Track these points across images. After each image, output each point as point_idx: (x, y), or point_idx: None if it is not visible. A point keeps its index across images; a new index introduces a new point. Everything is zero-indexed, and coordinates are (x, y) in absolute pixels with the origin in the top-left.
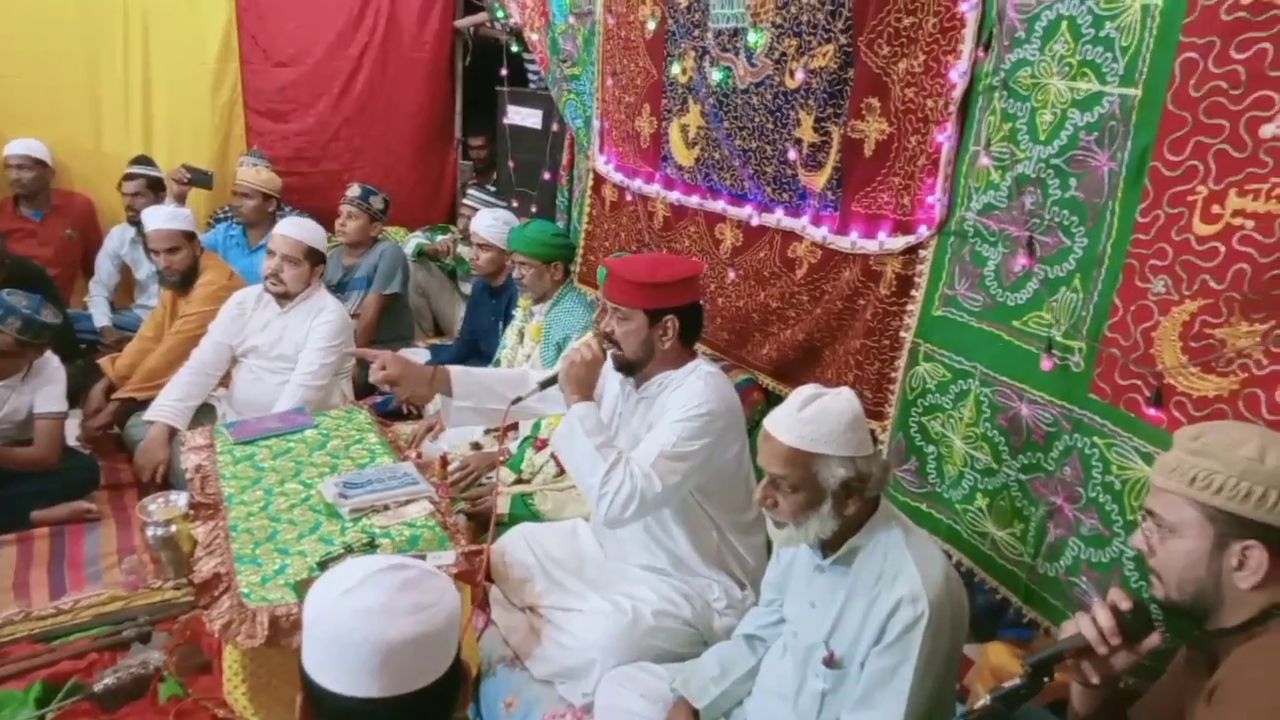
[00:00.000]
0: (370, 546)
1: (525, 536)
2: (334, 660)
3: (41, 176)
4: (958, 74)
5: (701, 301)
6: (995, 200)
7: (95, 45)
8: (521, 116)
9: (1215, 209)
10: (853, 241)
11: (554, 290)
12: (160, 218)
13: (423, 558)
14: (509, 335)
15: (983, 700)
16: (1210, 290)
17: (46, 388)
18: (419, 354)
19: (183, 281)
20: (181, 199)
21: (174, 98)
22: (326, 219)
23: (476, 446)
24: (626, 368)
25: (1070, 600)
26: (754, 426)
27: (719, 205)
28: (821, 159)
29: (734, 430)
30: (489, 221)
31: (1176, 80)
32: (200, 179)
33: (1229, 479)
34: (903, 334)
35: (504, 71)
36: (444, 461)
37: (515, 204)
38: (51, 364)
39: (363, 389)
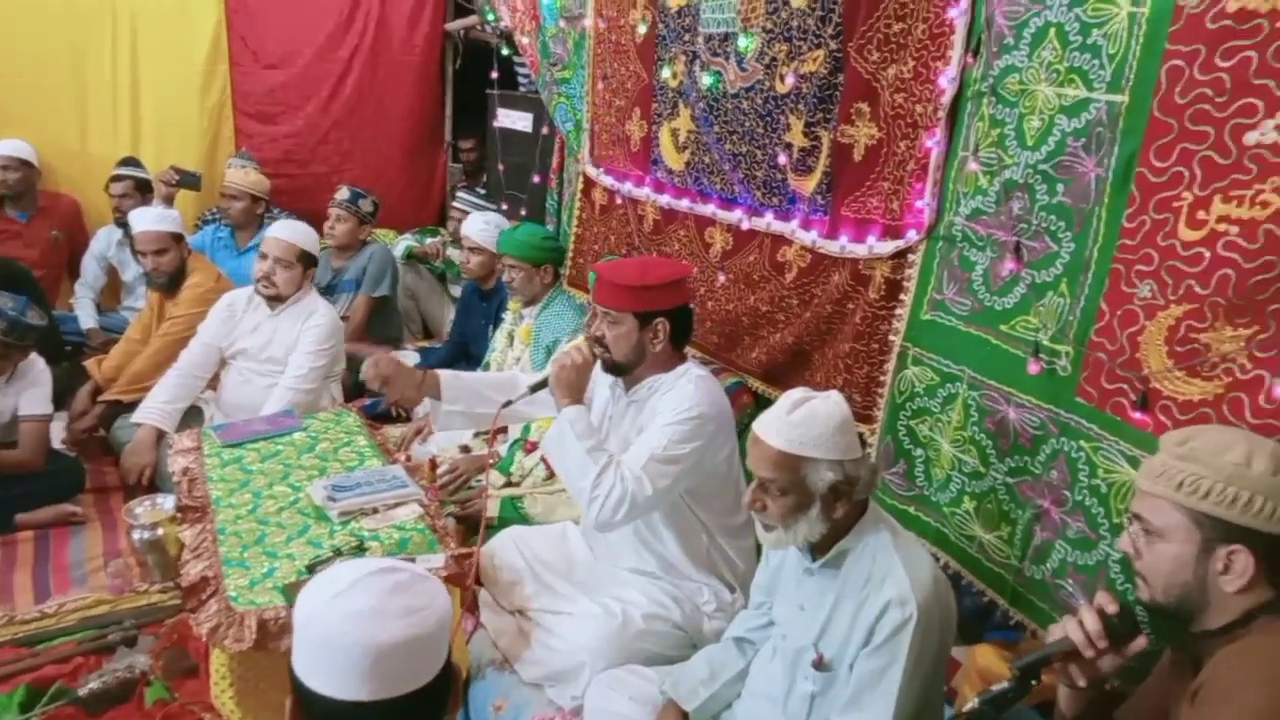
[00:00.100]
0: (359, 549)
1: (514, 539)
2: (324, 663)
3: (27, 177)
4: (947, 80)
5: (691, 304)
6: (983, 205)
7: (83, 46)
8: (512, 120)
9: (1200, 215)
10: (842, 246)
11: (544, 293)
12: (148, 219)
13: (412, 560)
14: (498, 338)
15: (971, 703)
16: (1195, 295)
17: (31, 390)
18: (408, 356)
19: (170, 283)
20: (169, 201)
21: (162, 99)
22: (315, 221)
23: (466, 449)
24: (617, 371)
25: (1057, 603)
26: (743, 430)
27: (709, 209)
28: (811, 163)
29: (724, 433)
30: (480, 225)
31: (1163, 87)
32: (188, 181)
33: (1216, 484)
34: (891, 338)
35: (494, 74)
36: (433, 464)
37: (505, 207)
38: (37, 366)
39: (352, 392)
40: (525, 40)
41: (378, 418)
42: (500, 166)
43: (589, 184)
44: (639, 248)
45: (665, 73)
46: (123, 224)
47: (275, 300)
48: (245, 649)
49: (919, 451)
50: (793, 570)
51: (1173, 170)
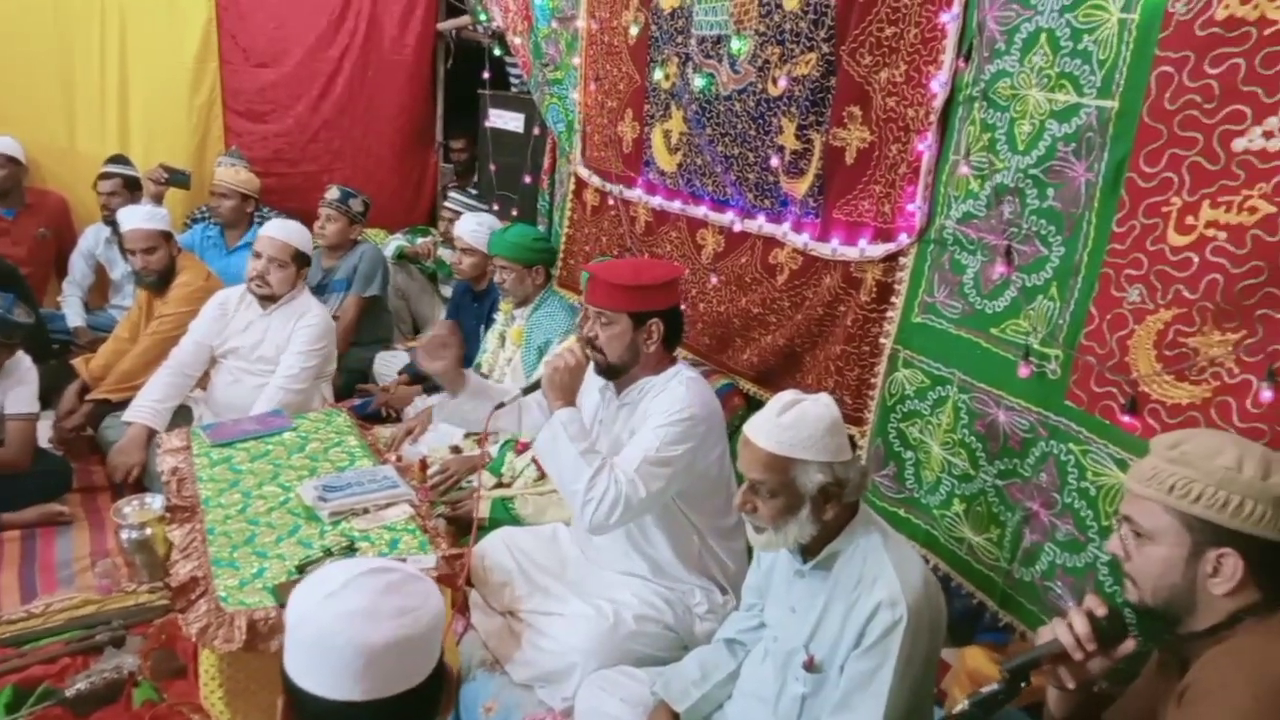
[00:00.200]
0: (350, 550)
1: (505, 540)
2: (316, 664)
3: (14, 174)
4: (938, 84)
5: (682, 306)
6: (974, 209)
7: (71, 42)
8: (503, 120)
9: (1189, 220)
10: (834, 248)
11: (535, 294)
12: (137, 217)
13: (403, 561)
14: (490, 339)
15: (961, 705)
16: (1184, 300)
17: (18, 388)
18: (398, 357)
19: (160, 282)
20: (159, 199)
21: (151, 97)
22: (305, 221)
23: (456, 450)
24: (609, 373)
25: (1046, 605)
26: (734, 431)
27: (701, 211)
28: (803, 166)
29: (715, 435)
30: (472, 226)
31: (1152, 93)
32: (178, 179)
33: (1207, 488)
34: (882, 340)
35: (486, 75)
36: (424, 465)
37: (496, 207)
38: (23, 364)
39: (342, 392)
40: (518, 41)
41: (368, 418)
42: (492, 167)
43: (580, 185)
44: (631, 249)
45: (658, 74)
46: (111, 222)
47: (268, 299)
48: (235, 649)
49: (909, 454)
50: (784, 572)
51: (1162, 175)
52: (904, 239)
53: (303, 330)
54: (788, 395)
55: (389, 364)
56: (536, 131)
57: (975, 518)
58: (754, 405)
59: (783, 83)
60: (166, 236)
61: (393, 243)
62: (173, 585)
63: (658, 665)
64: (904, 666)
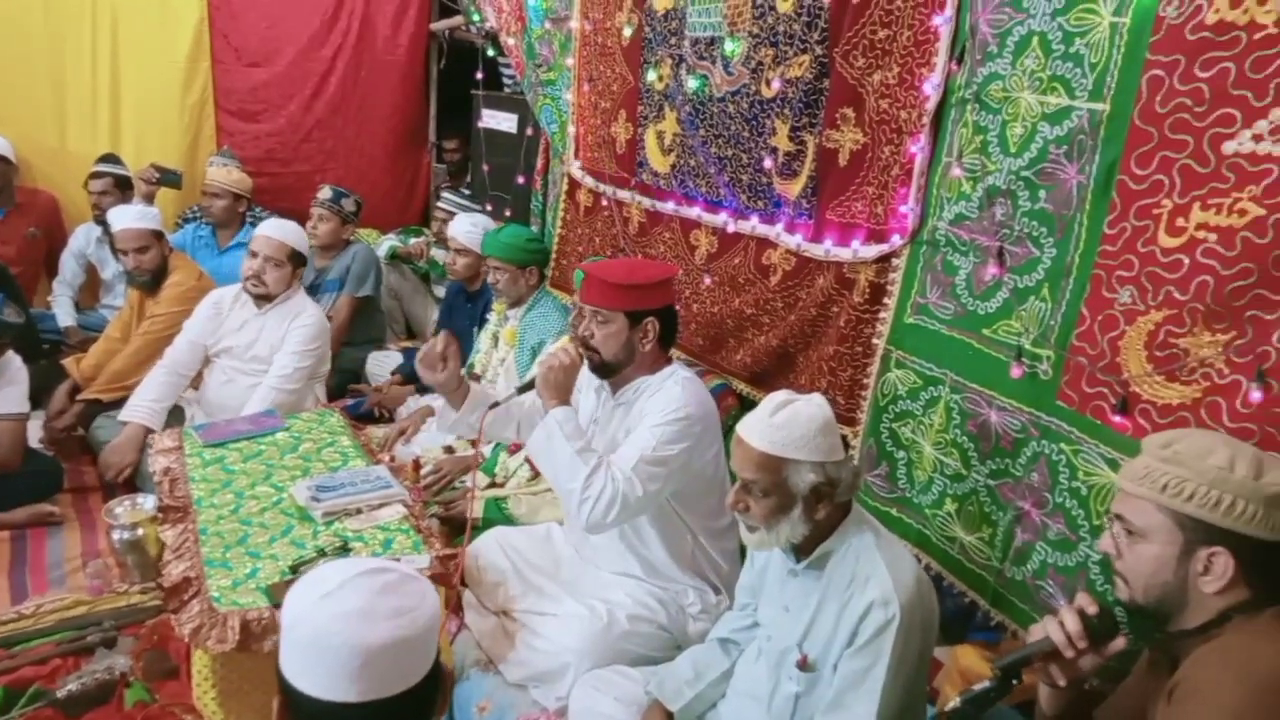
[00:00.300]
0: (344, 550)
1: (499, 540)
2: (312, 664)
3: (4, 173)
4: (931, 86)
5: (676, 305)
6: (966, 211)
7: (62, 41)
8: (496, 120)
9: (1180, 222)
10: (827, 249)
11: (529, 295)
12: (129, 217)
13: (397, 561)
14: (483, 339)
15: (953, 702)
16: (1174, 301)
17: (8, 388)
18: (391, 357)
19: (153, 281)
20: (150, 199)
21: (143, 96)
22: (298, 221)
23: (449, 450)
24: (604, 371)
25: (1037, 604)
26: (728, 431)
27: (694, 212)
28: (797, 167)
29: (710, 434)
30: (467, 227)
31: (1143, 96)
32: (169, 179)
33: (1200, 487)
34: (875, 341)
35: (479, 75)
36: (417, 465)
37: (489, 208)
38: (13, 364)
39: (335, 392)
40: (511, 41)
41: (361, 418)
42: (485, 167)
43: (574, 185)
44: (624, 250)
45: (651, 75)
46: (102, 221)
47: (263, 299)
48: (228, 650)
49: (901, 454)
50: (777, 571)
51: (1153, 178)
52: (897, 240)
53: (297, 330)
54: (781, 395)
55: (382, 364)
56: (530, 132)
57: (967, 517)
58: (747, 405)
59: (776, 84)
60: (158, 236)
61: (386, 243)
62: (165, 586)
63: (651, 665)
64: (897, 665)
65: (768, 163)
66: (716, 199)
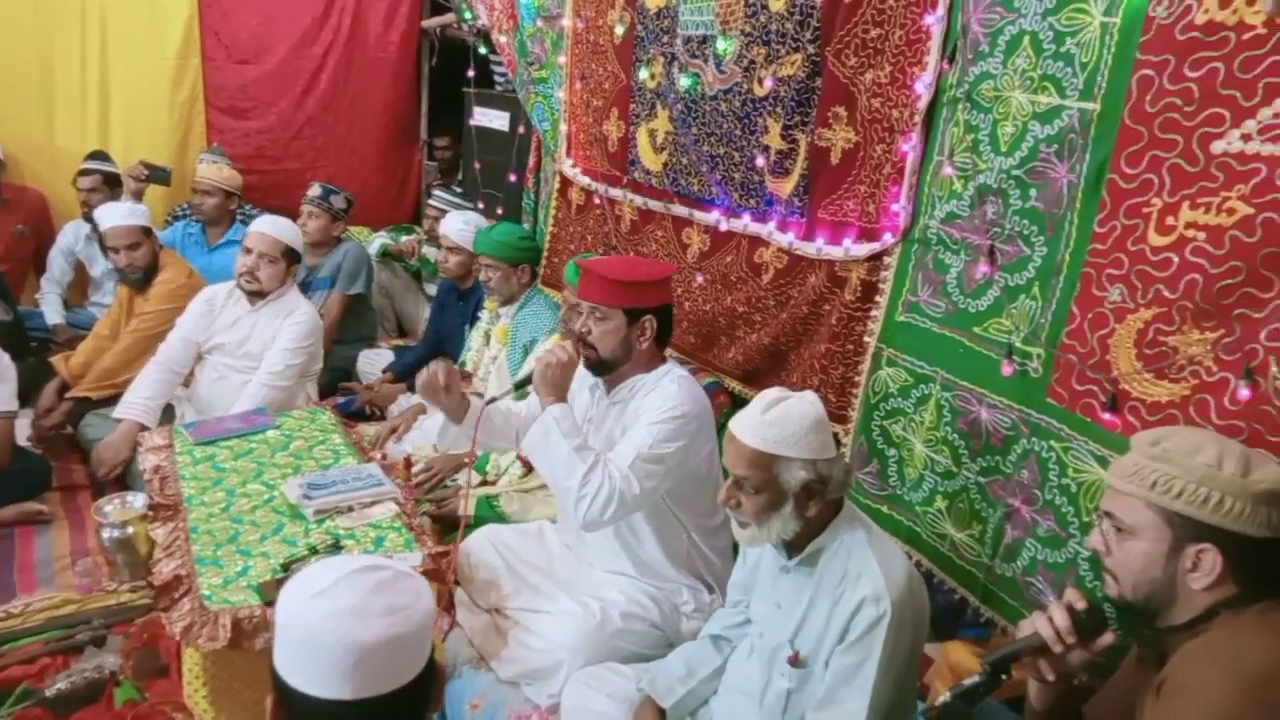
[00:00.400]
0: (335, 548)
1: (491, 538)
2: (306, 662)
3: None
4: (923, 85)
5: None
6: (958, 209)
7: (51, 37)
8: (488, 118)
9: (1169, 221)
10: (819, 248)
11: (521, 293)
12: (117, 214)
13: (390, 558)
14: (475, 337)
15: (943, 698)
16: (1164, 299)
17: None
18: (382, 355)
19: (145, 278)
20: (139, 196)
21: (132, 92)
22: (288, 219)
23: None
24: (599, 368)
25: (1027, 600)
26: (720, 429)
27: (686, 210)
28: (789, 166)
29: (705, 432)
30: (459, 225)
31: (1133, 96)
32: (159, 176)
33: (1189, 484)
34: (866, 339)
35: (471, 73)
36: (408, 463)
37: (481, 206)
38: (1, 362)
39: (326, 390)
40: (503, 39)
41: (352, 416)
42: (477, 165)
43: (565, 183)
44: (616, 247)
45: (643, 74)
46: (91, 219)
47: (257, 295)
48: (219, 648)
49: (892, 451)
50: (769, 568)
51: (1143, 177)
52: (888, 238)
53: (290, 327)
54: (773, 393)
55: (373, 362)
56: (521, 130)
57: (957, 514)
58: (739, 403)
59: (768, 83)
60: (147, 232)
61: (377, 240)
62: (156, 584)
63: (644, 663)
64: (888, 661)
65: (760, 161)
66: (709, 197)
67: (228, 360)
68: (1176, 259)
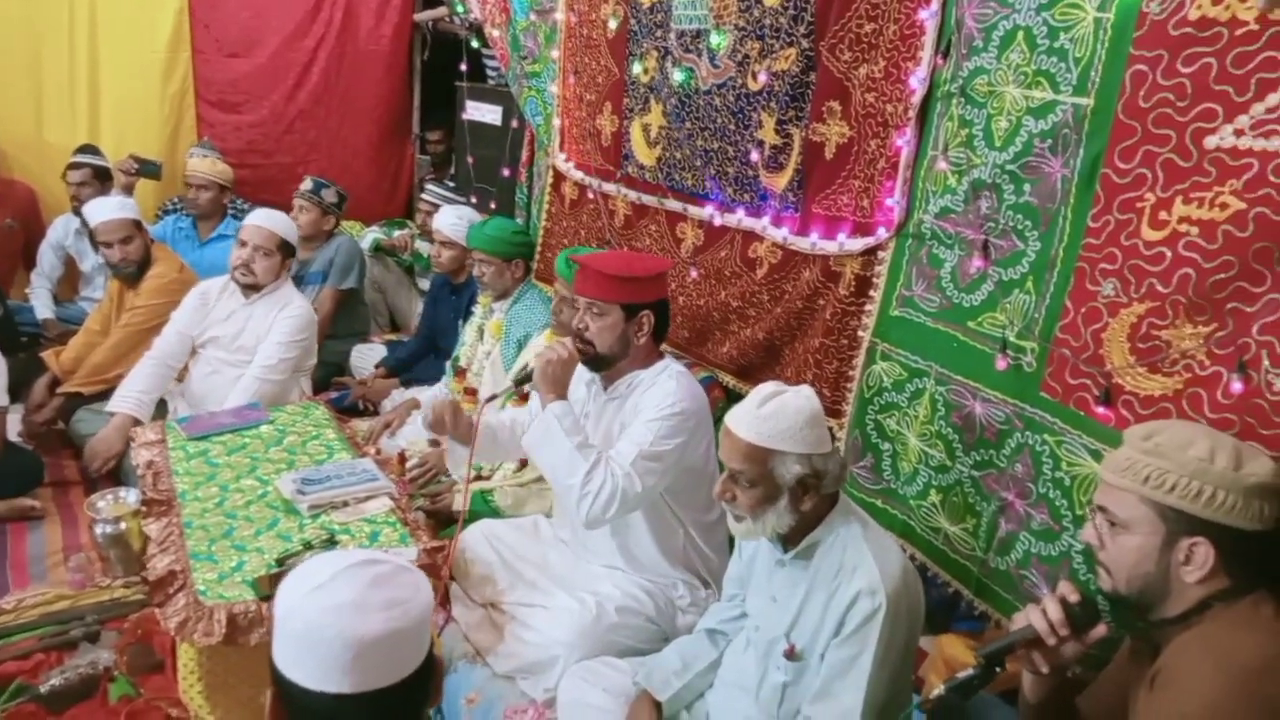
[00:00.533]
0: (330, 543)
1: (485, 533)
2: (305, 656)
3: None
4: (917, 80)
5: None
6: (952, 204)
7: (40, 29)
8: (481, 112)
9: (1162, 215)
10: (813, 242)
11: (514, 288)
12: (108, 209)
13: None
14: (468, 332)
15: (938, 690)
16: (1157, 294)
17: None
18: (375, 350)
19: (138, 272)
20: (129, 190)
21: (122, 86)
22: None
23: (435, 443)
24: (597, 364)
25: (1021, 593)
26: (715, 424)
27: (680, 205)
28: (783, 161)
29: (703, 428)
30: (452, 220)
31: (1127, 91)
32: (149, 170)
33: (1181, 478)
34: (861, 333)
35: (463, 67)
36: (402, 458)
37: (474, 200)
38: None
39: (319, 385)
40: (495, 33)
41: (345, 411)
42: (469, 159)
43: (559, 178)
44: (610, 242)
45: (637, 68)
46: (80, 213)
47: (251, 289)
48: (215, 643)
49: (886, 445)
50: (765, 562)
51: (1136, 172)
52: (882, 233)
53: (285, 321)
54: (769, 387)
55: (366, 357)
56: (515, 124)
57: (951, 508)
58: (733, 398)
59: (762, 78)
60: (138, 225)
61: (369, 235)
62: (150, 579)
63: (640, 657)
64: (883, 654)
65: (754, 156)
66: (703, 192)
67: (221, 354)
68: (1169, 254)
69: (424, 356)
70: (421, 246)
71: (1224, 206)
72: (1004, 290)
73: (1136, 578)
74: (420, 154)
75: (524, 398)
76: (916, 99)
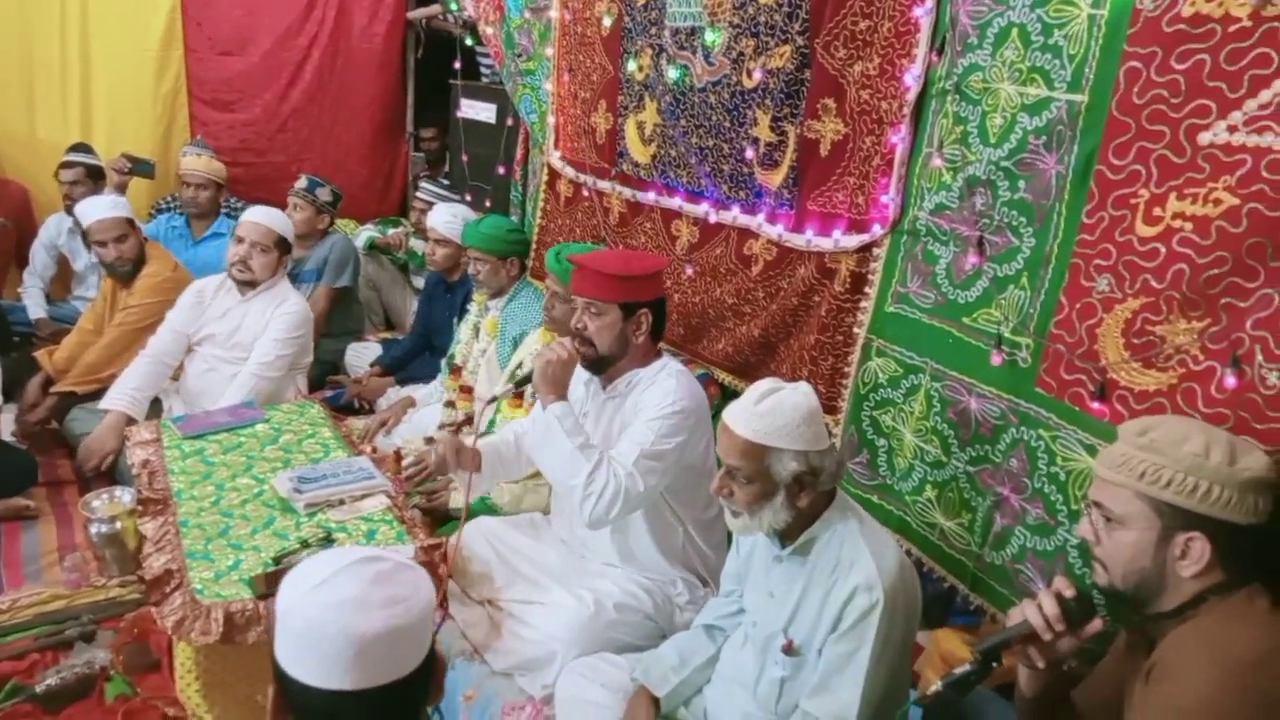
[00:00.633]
0: (327, 541)
1: (482, 531)
2: (306, 653)
3: None
4: (912, 77)
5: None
6: (947, 200)
7: (32, 27)
8: (475, 110)
9: (1156, 211)
10: (808, 239)
11: (510, 285)
12: (101, 208)
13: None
14: (463, 330)
15: (935, 686)
16: (1151, 289)
17: None
18: (370, 348)
19: (133, 271)
20: (122, 189)
21: (114, 84)
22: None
23: (431, 441)
24: (597, 366)
25: (1016, 587)
26: (712, 420)
27: (675, 202)
28: (778, 158)
29: (702, 426)
30: (446, 218)
31: (1121, 88)
32: (142, 169)
33: (1177, 474)
34: (856, 330)
35: (457, 65)
36: (398, 456)
37: (469, 198)
38: None
39: (314, 384)
40: (489, 31)
41: (340, 410)
42: (464, 158)
43: (554, 175)
44: (605, 240)
45: (631, 66)
46: (73, 212)
47: (248, 285)
48: (212, 642)
49: (882, 441)
50: (762, 558)
51: (1130, 168)
52: (878, 230)
53: (281, 317)
54: (767, 384)
55: (360, 355)
56: (509, 122)
57: (947, 503)
58: (729, 395)
59: (757, 75)
60: (132, 223)
61: (364, 233)
62: (147, 578)
63: (637, 654)
64: (880, 649)
65: (749, 153)
66: (698, 189)
67: (218, 351)
68: (1163, 249)
69: (419, 355)
70: (416, 245)
71: (1218, 202)
72: (999, 286)
73: (1133, 573)
74: (414, 151)
75: (519, 397)
76: (911, 96)
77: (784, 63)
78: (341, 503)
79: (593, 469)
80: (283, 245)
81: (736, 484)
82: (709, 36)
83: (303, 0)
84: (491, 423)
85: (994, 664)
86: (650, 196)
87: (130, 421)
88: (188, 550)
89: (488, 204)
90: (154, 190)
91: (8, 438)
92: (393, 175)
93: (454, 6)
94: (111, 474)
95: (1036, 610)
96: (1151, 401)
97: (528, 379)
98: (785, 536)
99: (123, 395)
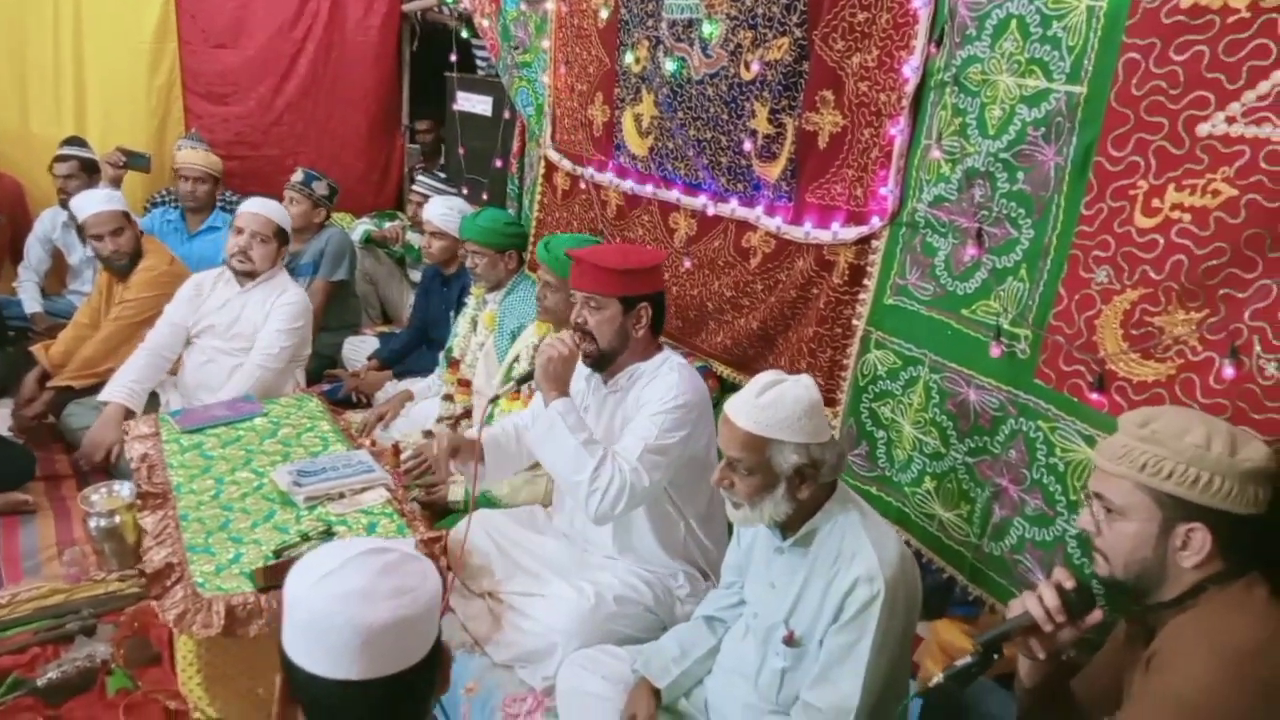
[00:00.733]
0: (327, 534)
1: (482, 523)
2: (314, 644)
3: None
4: (910, 69)
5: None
6: (945, 192)
7: (24, 20)
8: (471, 103)
9: (1155, 203)
10: (806, 231)
11: (507, 279)
12: (96, 201)
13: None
14: (461, 324)
15: (936, 679)
16: (1150, 280)
17: None
18: (367, 342)
19: (130, 264)
20: (117, 183)
21: (108, 78)
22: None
23: (429, 435)
24: (600, 362)
25: (1015, 578)
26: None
27: (673, 195)
28: (776, 150)
29: (705, 420)
30: (442, 210)
31: (1120, 79)
32: (137, 162)
33: (1178, 465)
34: (855, 322)
35: (453, 57)
36: (396, 450)
37: (465, 191)
38: None
39: (312, 377)
40: (485, 23)
41: (338, 403)
42: (460, 150)
43: (551, 168)
44: (603, 233)
45: (628, 58)
46: (68, 205)
47: (248, 276)
48: (214, 635)
49: (881, 433)
50: (763, 549)
51: (1129, 159)
52: (876, 222)
53: (281, 308)
54: (768, 376)
55: (358, 349)
56: (506, 115)
57: (946, 494)
58: (728, 387)
59: (755, 67)
60: (127, 216)
61: (360, 226)
62: (148, 572)
63: (638, 645)
64: (881, 640)
65: (747, 145)
66: (695, 182)
67: (217, 343)
68: (1162, 240)
69: (416, 348)
70: (413, 238)
71: (1216, 193)
72: (998, 278)
73: (1134, 563)
74: (409, 143)
75: (517, 393)
76: (910, 88)
77: (782, 55)
78: (341, 496)
79: (597, 465)
80: (281, 236)
81: (737, 476)
82: (706, 28)
83: None
84: (490, 416)
85: (995, 655)
86: (648, 189)
87: (129, 414)
88: (188, 544)
89: (485, 197)
90: (149, 184)
91: (4, 432)
92: (389, 168)
93: None
94: (109, 469)
95: (1037, 602)
96: (1150, 392)
97: (529, 376)
98: (786, 528)
99: (121, 388)
